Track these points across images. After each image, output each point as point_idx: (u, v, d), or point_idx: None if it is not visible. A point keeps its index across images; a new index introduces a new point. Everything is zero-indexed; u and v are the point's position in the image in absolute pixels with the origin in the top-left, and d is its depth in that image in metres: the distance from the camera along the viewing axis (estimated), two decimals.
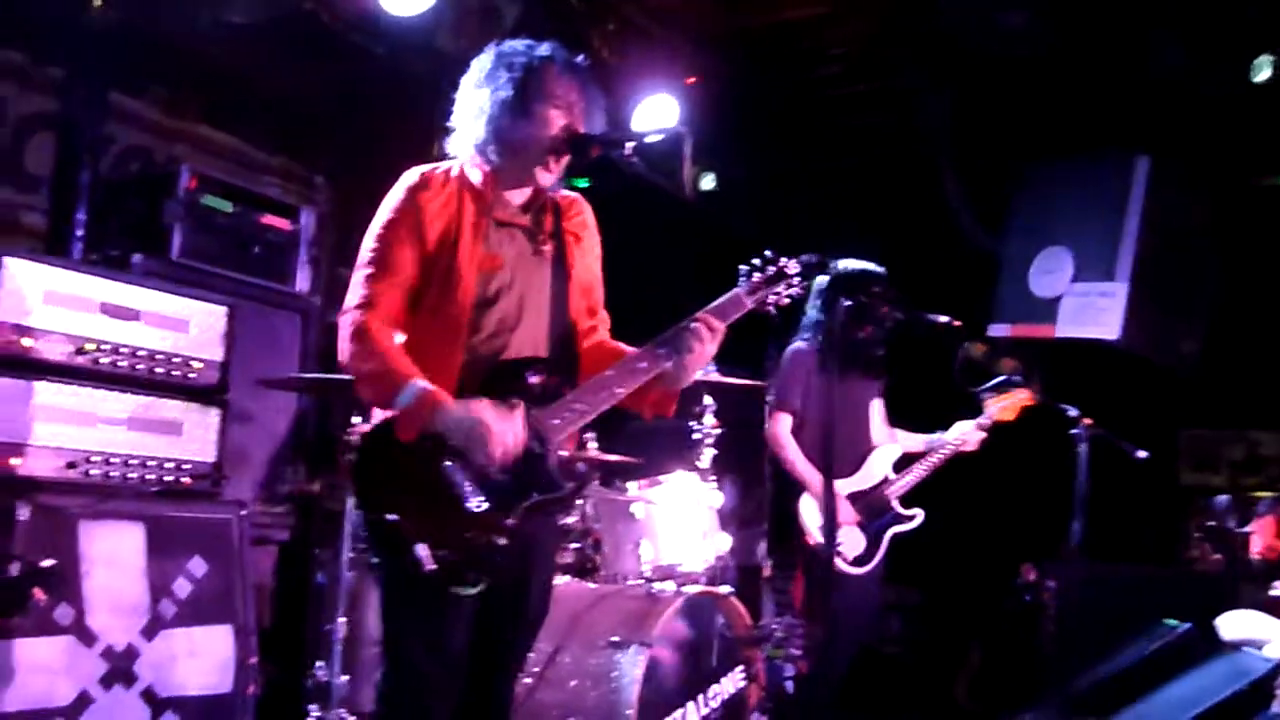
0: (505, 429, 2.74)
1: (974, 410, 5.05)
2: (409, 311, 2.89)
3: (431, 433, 2.74)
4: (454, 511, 2.74)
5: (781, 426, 4.81)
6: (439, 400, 2.73)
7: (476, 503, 2.75)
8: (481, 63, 2.99)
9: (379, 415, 2.89)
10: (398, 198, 2.91)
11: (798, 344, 4.90)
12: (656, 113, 6.02)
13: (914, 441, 5.09)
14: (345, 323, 2.84)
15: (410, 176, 2.95)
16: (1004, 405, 5.01)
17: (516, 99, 2.89)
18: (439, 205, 2.90)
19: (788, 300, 3.11)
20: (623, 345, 3.11)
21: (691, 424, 4.96)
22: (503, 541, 2.77)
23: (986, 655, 6.53)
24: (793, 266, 3.07)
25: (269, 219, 5.06)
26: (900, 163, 7.19)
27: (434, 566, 2.69)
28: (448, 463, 2.76)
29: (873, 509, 4.87)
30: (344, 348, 2.83)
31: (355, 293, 2.86)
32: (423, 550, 2.69)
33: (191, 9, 5.14)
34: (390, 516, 2.72)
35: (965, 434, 4.97)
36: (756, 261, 3.10)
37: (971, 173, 6.91)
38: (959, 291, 6.21)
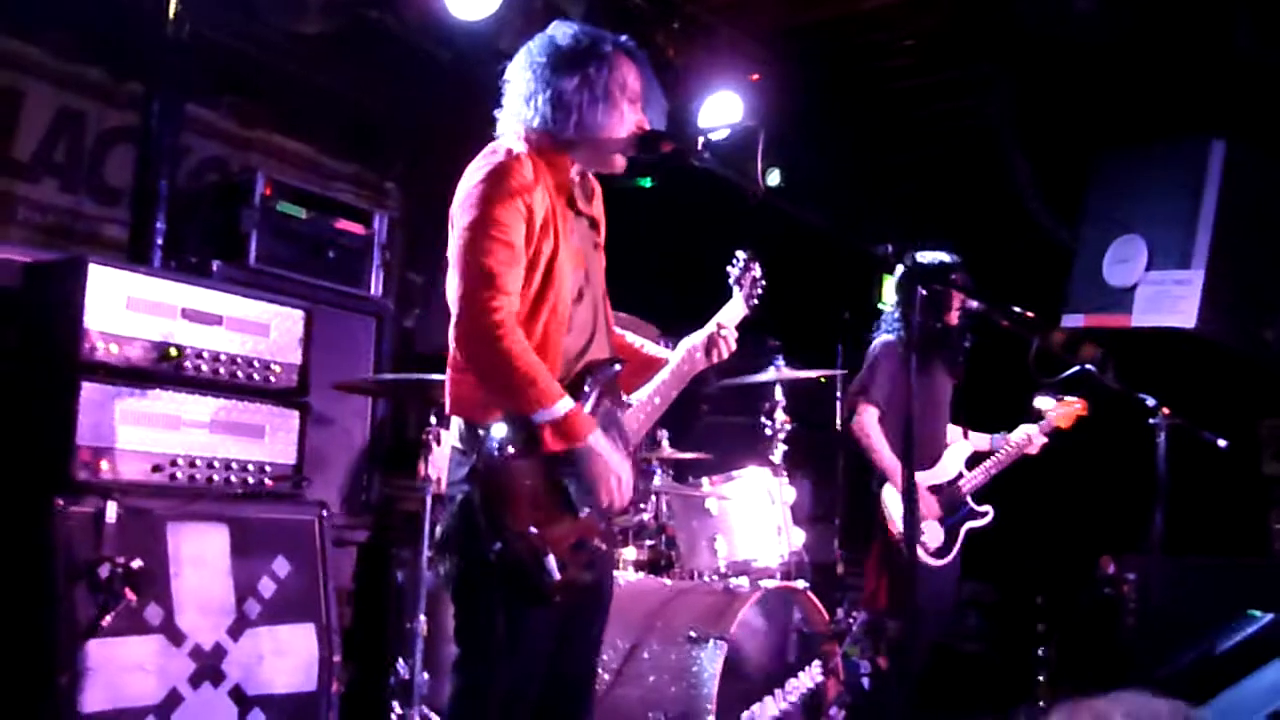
0: (626, 477, 2.76)
1: (1036, 410, 5.08)
2: None
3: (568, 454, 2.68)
4: (568, 520, 2.74)
5: (868, 419, 4.84)
6: (587, 428, 2.69)
7: (584, 510, 2.76)
8: (557, 40, 2.84)
9: (491, 412, 2.75)
10: (501, 177, 2.70)
11: (886, 337, 4.94)
12: (722, 110, 6.02)
13: (980, 440, 5.13)
14: (475, 311, 2.62)
15: (501, 154, 2.75)
16: (1061, 413, 5.05)
17: (599, 86, 2.79)
18: (539, 191, 2.75)
19: (756, 302, 3.21)
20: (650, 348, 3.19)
21: (763, 420, 4.96)
22: (604, 547, 2.80)
23: (1067, 649, 6.45)
24: (757, 269, 3.18)
25: (343, 224, 5.14)
26: (972, 154, 7.13)
27: (559, 576, 2.67)
28: (567, 470, 2.72)
29: (949, 503, 4.90)
30: (473, 337, 2.64)
31: (482, 275, 2.63)
32: (552, 561, 2.66)
33: (263, 21, 5.24)
34: (532, 530, 2.65)
35: (1028, 437, 5.02)
36: (735, 264, 3.20)
37: (1044, 162, 6.83)
38: (1032, 283, 6.15)
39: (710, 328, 3.06)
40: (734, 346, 3.06)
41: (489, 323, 2.61)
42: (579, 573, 2.74)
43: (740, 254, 3.17)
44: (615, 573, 4.35)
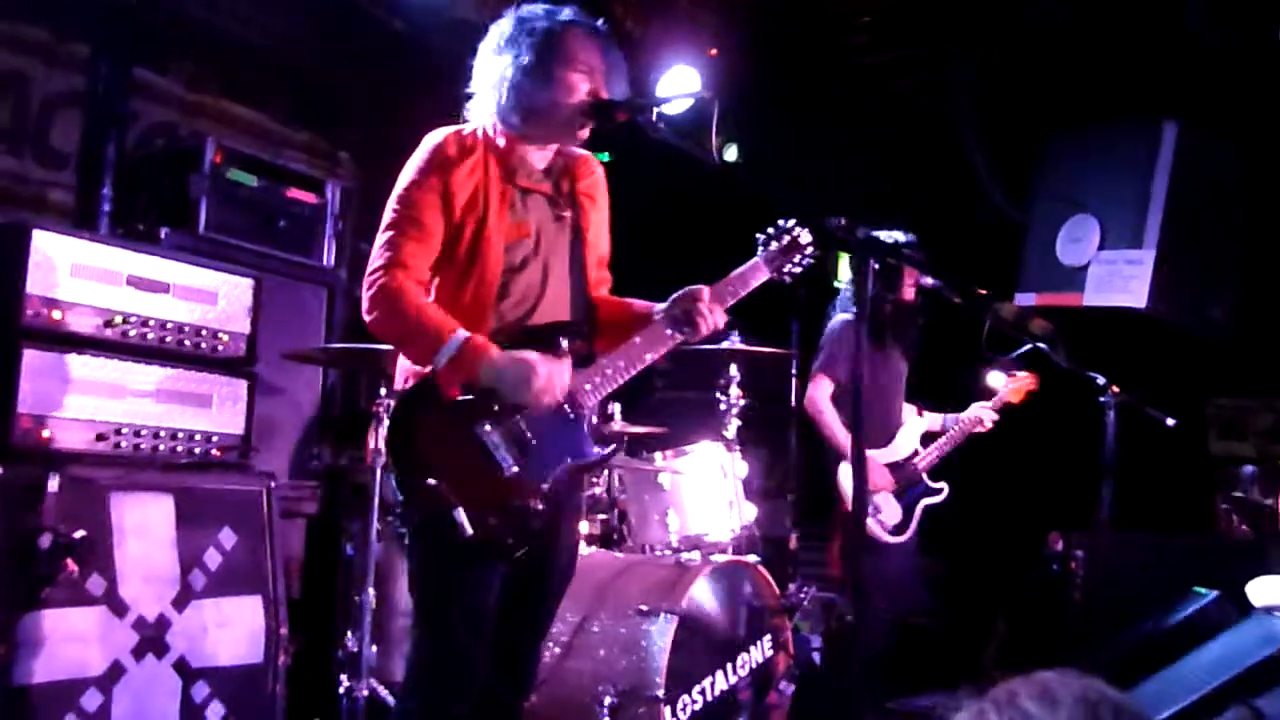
0: (553, 373, 2.74)
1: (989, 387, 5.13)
2: (433, 274, 2.87)
3: (476, 385, 2.72)
4: (490, 476, 2.74)
5: (821, 391, 4.88)
6: (485, 348, 2.71)
7: (511, 467, 2.75)
8: (501, 28, 2.95)
9: (409, 377, 2.87)
10: (424, 158, 2.88)
11: (844, 315, 4.97)
12: (680, 83, 6.01)
13: (933, 419, 5.19)
14: (373, 283, 2.79)
15: (435, 137, 2.91)
16: (1013, 388, 5.10)
17: (540, 64, 2.86)
18: (466, 169, 2.87)
19: (800, 270, 3.15)
20: (624, 299, 3.15)
21: (717, 395, 4.97)
22: (539, 507, 2.78)
23: (1014, 625, 6.52)
24: (805, 236, 3.12)
25: (294, 192, 5.08)
26: (926, 132, 7.14)
27: (472, 532, 2.67)
28: (486, 425, 2.75)
29: (905, 480, 4.96)
30: (374, 309, 2.79)
31: (382, 253, 2.81)
32: (461, 515, 2.67)
33: None
34: (430, 481, 2.69)
35: (978, 414, 5.07)
36: (771, 230, 3.14)
37: (999, 141, 6.86)
38: (986, 261, 6.19)
39: (686, 302, 2.98)
40: (718, 323, 3.00)
41: (381, 285, 2.77)
42: (507, 534, 2.73)
43: (782, 220, 3.12)
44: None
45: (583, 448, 2.86)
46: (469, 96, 3.01)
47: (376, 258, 2.82)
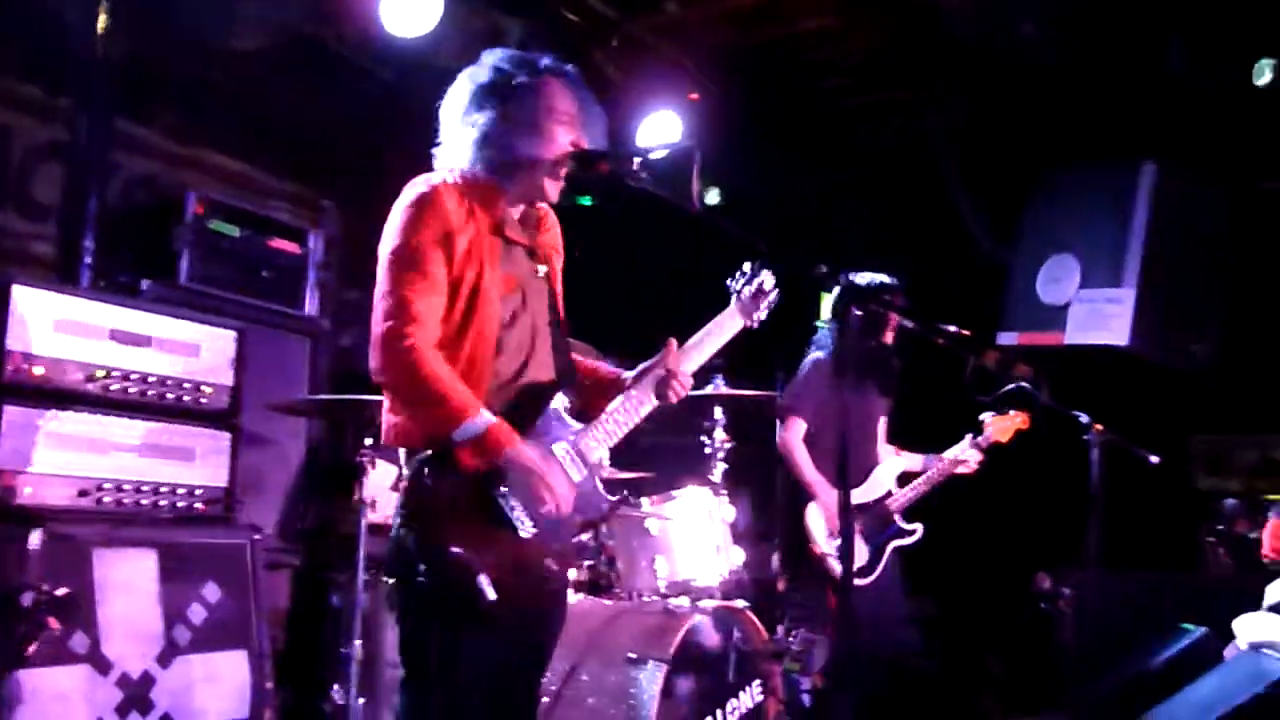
0: (563, 488, 2.74)
1: (976, 425, 5.11)
2: None
3: (495, 470, 2.67)
4: (507, 540, 2.70)
5: (793, 432, 4.87)
6: (508, 441, 2.67)
7: (528, 530, 2.71)
8: (477, 75, 2.88)
9: (407, 434, 2.78)
10: (420, 207, 2.75)
11: (816, 354, 4.97)
12: (661, 129, 6.04)
13: (913, 460, 5.17)
14: (389, 341, 2.66)
15: (424, 186, 2.79)
16: (1002, 427, 5.10)
17: (524, 116, 2.82)
18: (462, 218, 2.77)
19: (766, 314, 3.18)
20: (590, 362, 3.15)
21: (703, 439, 4.96)
22: (554, 567, 2.77)
23: (1005, 664, 6.50)
24: (769, 280, 3.14)
25: (277, 243, 5.08)
26: (909, 174, 7.20)
27: (495, 597, 2.63)
28: (503, 489, 2.70)
29: (876, 521, 4.93)
30: (388, 368, 2.67)
31: (395, 308, 2.67)
32: (485, 582, 2.62)
33: (197, 36, 5.16)
34: (455, 549, 2.62)
35: (963, 454, 5.05)
36: (739, 276, 3.16)
37: (981, 182, 6.91)
38: (967, 301, 6.21)
39: (659, 371, 2.99)
40: (688, 389, 3.01)
41: (401, 348, 2.64)
42: (523, 595, 2.69)
43: (748, 264, 3.14)
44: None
45: (592, 503, 2.85)
46: (436, 144, 2.94)
47: (388, 314, 2.67)
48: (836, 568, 4.80)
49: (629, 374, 3.04)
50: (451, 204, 2.76)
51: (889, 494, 5.03)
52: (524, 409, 2.81)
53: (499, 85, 2.85)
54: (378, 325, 2.69)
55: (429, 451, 2.70)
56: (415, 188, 2.80)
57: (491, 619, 2.65)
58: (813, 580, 4.90)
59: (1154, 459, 5.05)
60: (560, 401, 2.88)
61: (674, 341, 3.02)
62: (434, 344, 2.70)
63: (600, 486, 2.90)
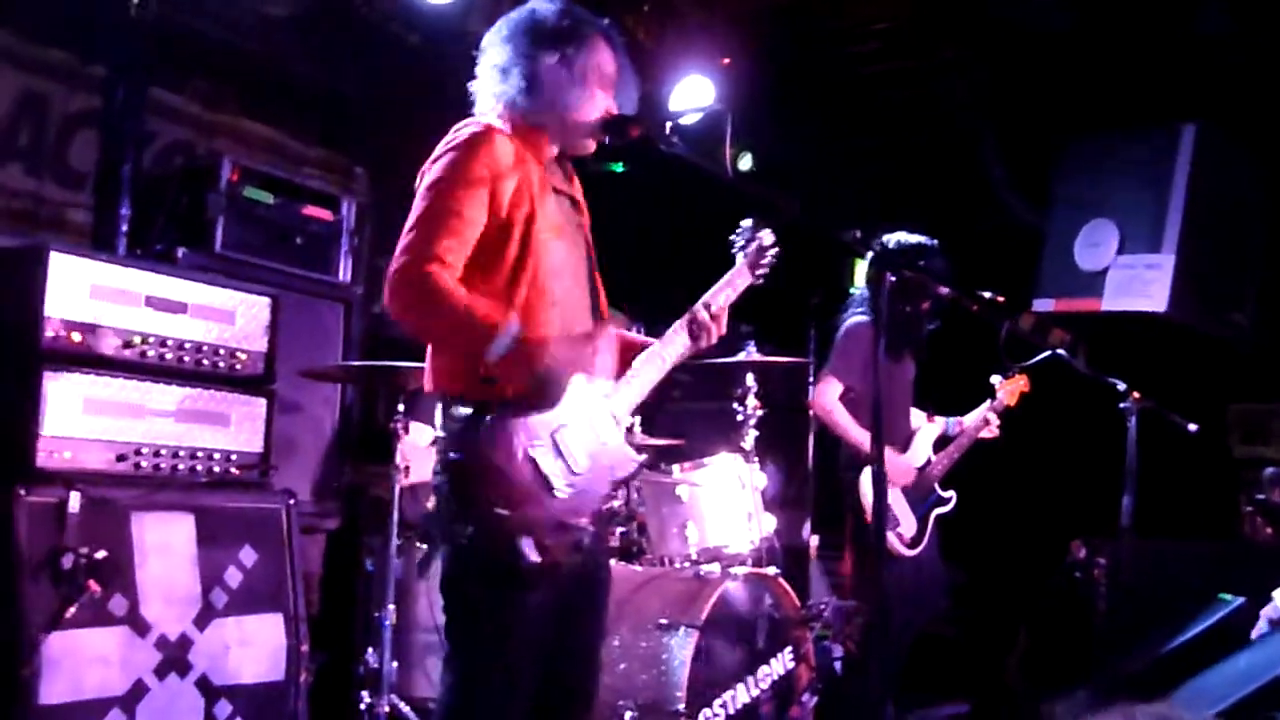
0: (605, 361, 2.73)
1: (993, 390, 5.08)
2: (475, 274, 2.67)
3: (538, 375, 2.59)
4: (545, 499, 2.64)
5: (830, 391, 4.81)
6: (544, 341, 2.60)
7: (565, 488, 2.66)
8: (542, 14, 2.81)
9: (449, 380, 2.72)
10: (467, 147, 2.66)
11: (856, 318, 4.91)
12: (693, 94, 6.00)
13: (940, 423, 5.13)
14: (404, 277, 2.57)
15: (474, 126, 2.71)
16: (1008, 390, 5.05)
17: (579, 72, 2.77)
18: (512, 160, 2.70)
19: (767, 269, 3.12)
20: (631, 335, 3.11)
21: (734, 405, 4.95)
22: (590, 527, 2.72)
23: (1037, 633, 6.48)
24: (769, 237, 3.09)
25: (310, 210, 5.09)
26: (942, 138, 7.13)
27: (538, 559, 2.59)
28: (539, 447, 2.65)
29: (919, 490, 4.90)
30: (408, 304, 2.59)
31: (413, 245, 2.59)
32: (528, 543, 2.58)
33: (230, 4, 5.17)
34: (500, 511, 2.57)
35: (984, 419, 5.01)
36: (741, 233, 3.12)
37: (1014, 147, 6.84)
38: (1003, 267, 6.16)
39: (695, 310, 2.96)
40: (723, 329, 2.97)
41: (414, 276, 2.56)
42: (564, 556, 2.65)
43: (745, 221, 3.10)
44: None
45: (623, 460, 2.83)
46: (473, 80, 2.86)
47: (405, 250, 2.59)
48: (892, 540, 4.74)
49: (657, 342, 3.02)
50: (502, 145, 2.69)
51: (928, 461, 5.00)
52: (572, 360, 2.73)
53: (560, 32, 2.78)
54: (398, 253, 2.61)
55: (469, 410, 2.63)
56: (467, 126, 2.72)
57: (534, 581, 2.61)
58: (855, 548, 4.87)
59: (1192, 427, 5.00)
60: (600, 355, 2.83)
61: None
62: (496, 288, 2.64)
63: (629, 446, 2.88)
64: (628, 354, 2.98)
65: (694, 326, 2.93)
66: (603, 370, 2.85)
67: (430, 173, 2.68)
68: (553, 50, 2.77)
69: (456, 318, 2.57)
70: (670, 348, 2.93)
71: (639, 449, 2.91)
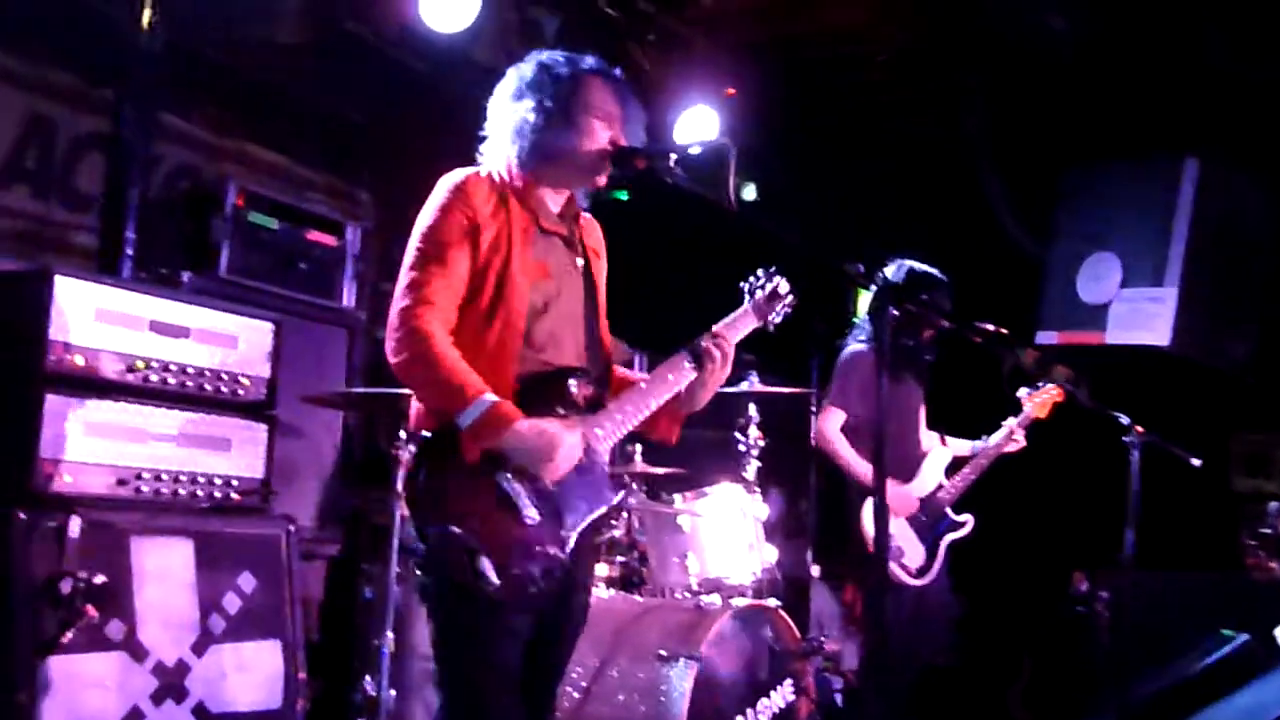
0: (572, 448, 2.74)
1: (1013, 411, 5.06)
2: (458, 316, 2.82)
3: (495, 451, 2.69)
4: (512, 526, 2.70)
5: (832, 422, 4.81)
6: (511, 418, 2.69)
7: (532, 516, 2.72)
8: (522, 72, 2.97)
9: (423, 419, 2.84)
10: (447, 197, 2.84)
11: (856, 346, 4.91)
12: (698, 124, 6.02)
13: (959, 445, 5.10)
14: (401, 323, 2.74)
15: (455, 177, 2.89)
16: (1039, 402, 5.03)
17: (561, 110, 2.88)
18: (490, 208, 2.85)
19: (781, 319, 3.17)
20: (622, 372, 3.15)
21: (736, 435, 4.95)
22: (560, 556, 2.75)
23: (1039, 666, 6.45)
24: (784, 285, 3.14)
25: (315, 235, 5.10)
26: (945, 168, 7.15)
27: (499, 583, 2.64)
28: (507, 475, 2.72)
29: (929, 516, 4.86)
30: (400, 351, 2.73)
31: (409, 291, 2.76)
32: (486, 565, 2.63)
33: (238, 30, 5.20)
34: (454, 529, 2.65)
35: (1009, 432, 4.99)
36: (754, 279, 3.15)
37: (1017, 178, 6.85)
38: (1005, 299, 6.16)
39: (699, 339, 3.01)
40: (729, 359, 3.01)
41: (410, 329, 2.72)
42: (528, 581, 2.69)
43: (762, 270, 3.15)
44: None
45: (600, 494, 2.86)
46: (483, 139, 3.02)
47: (402, 296, 2.77)
48: (898, 570, 4.72)
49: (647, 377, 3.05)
50: (480, 195, 2.85)
51: (939, 486, 4.96)
52: (547, 395, 2.83)
53: (539, 79, 2.92)
54: (393, 302, 2.79)
55: (431, 435, 2.77)
56: (449, 178, 2.89)
57: (498, 605, 2.67)
58: (857, 581, 4.84)
59: (1195, 461, 4.99)
60: (578, 390, 2.88)
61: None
62: (448, 328, 2.76)
63: (607, 478, 2.90)
64: (621, 389, 3.03)
65: (698, 353, 2.98)
66: (589, 404, 2.90)
67: (418, 225, 2.85)
68: (530, 99, 2.91)
69: (433, 375, 2.71)
70: (656, 387, 2.96)
71: (622, 483, 2.93)
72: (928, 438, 5.10)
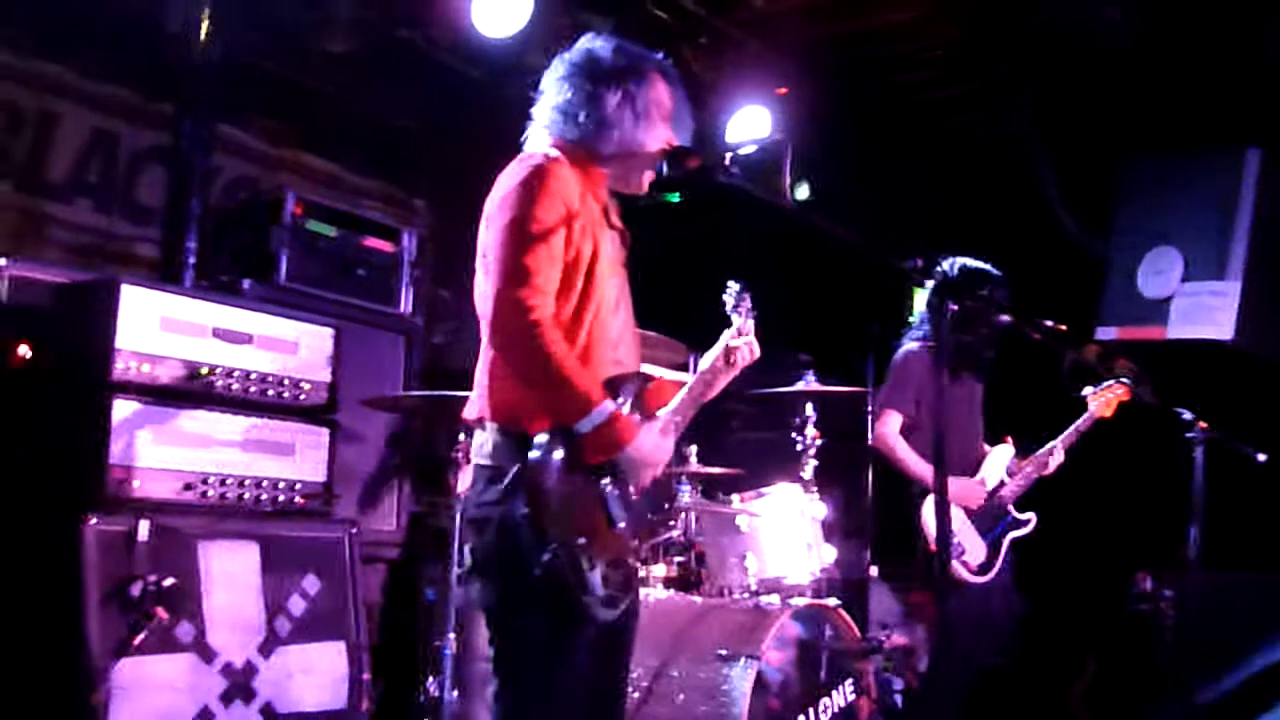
0: (670, 455, 2.74)
1: (1073, 418, 4.98)
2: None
3: (610, 458, 2.64)
4: (607, 533, 2.68)
5: (890, 425, 4.77)
6: (634, 428, 2.66)
7: (621, 522, 2.70)
8: (597, 54, 2.83)
9: (502, 411, 2.70)
10: (543, 181, 2.65)
11: (910, 345, 4.87)
12: (750, 124, 6.01)
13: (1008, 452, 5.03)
14: (514, 309, 2.55)
15: (540, 160, 2.70)
16: (1104, 400, 4.96)
17: (640, 104, 2.81)
18: (578, 196, 2.73)
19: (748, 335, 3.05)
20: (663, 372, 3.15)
21: (793, 435, 4.93)
22: (635, 562, 2.77)
23: (1102, 666, 6.37)
24: (746, 303, 3.01)
25: (371, 241, 5.16)
26: (1000, 165, 7.09)
27: (603, 592, 2.61)
28: (607, 481, 2.68)
29: (989, 515, 4.81)
30: (513, 340, 2.57)
31: (518, 276, 2.56)
32: (597, 575, 2.59)
33: (292, 41, 5.27)
34: (581, 540, 2.59)
35: (1068, 437, 4.92)
36: (730, 298, 3.05)
37: (1073, 172, 6.78)
38: (1065, 295, 6.10)
39: (725, 339, 2.99)
40: (756, 352, 2.99)
41: (527, 321, 2.55)
42: (621, 590, 2.68)
43: (733, 285, 3.05)
44: (644, 590, 4.34)
45: (661, 499, 2.87)
46: (531, 118, 2.89)
47: (510, 284, 2.57)
48: (958, 568, 4.67)
49: (685, 377, 3.04)
50: (570, 182, 2.71)
51: (1001, 484, 4.91)
52: (627, 398, 2.78)
53: (621, 70, 2.82)
54: (499, 289, 2.58)
55: (548, 436, 2.60)
56: (531, 161, 2.71)
57: (594, 616, 2.63)
58: (919, 579, 4.79)
59: (1260, 456, 4.91)
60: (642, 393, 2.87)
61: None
62: (561, 323, 2.64)
63: (670, 483, 2.92)
64: (664, 394, 3.00)
65: (729, 354, 2.96)
66: (651, 406, 2.90)
67: (505, 209, 2.66)
68: (615, 88, 2.79)
69: (553, 375, 2.56)
70: (705, 384, 2.96)
71: (676, 489, 2.93)
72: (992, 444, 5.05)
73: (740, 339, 2.98)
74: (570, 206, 2.68)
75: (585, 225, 2.72)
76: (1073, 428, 4.96)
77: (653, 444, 2.70)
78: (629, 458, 2.66)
